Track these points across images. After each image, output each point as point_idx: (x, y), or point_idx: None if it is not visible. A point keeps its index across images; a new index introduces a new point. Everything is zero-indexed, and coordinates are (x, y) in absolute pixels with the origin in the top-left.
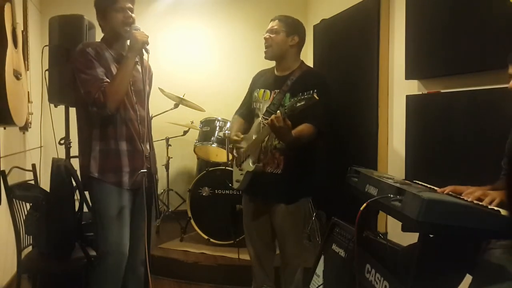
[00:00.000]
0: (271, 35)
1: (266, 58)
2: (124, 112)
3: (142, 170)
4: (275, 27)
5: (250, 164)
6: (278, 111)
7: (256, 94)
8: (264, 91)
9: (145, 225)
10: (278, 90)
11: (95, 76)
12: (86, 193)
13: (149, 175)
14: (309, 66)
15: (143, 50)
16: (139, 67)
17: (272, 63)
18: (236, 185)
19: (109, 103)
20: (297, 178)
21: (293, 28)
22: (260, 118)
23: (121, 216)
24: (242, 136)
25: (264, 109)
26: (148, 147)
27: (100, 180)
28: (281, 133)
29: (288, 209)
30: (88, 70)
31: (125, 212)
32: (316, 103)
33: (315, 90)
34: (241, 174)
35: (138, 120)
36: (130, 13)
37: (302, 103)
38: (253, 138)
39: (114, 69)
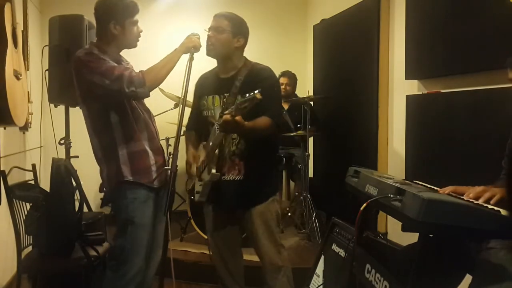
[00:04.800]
0: (216, 34)
1: (208, 55)
2: (145, 114)
3: (166, 167)
4: (221, 25)
5: (207, 173)
6: (225, 113)
7: (204, 102)
8: (213, 97)
9: (163, 225)
10: (228, 94)
11: (114, 65)
12: (85, 188)
13: (172, 174)
14: (253, 63)
15: (189, 52)
16: None
17: (209, 66)
18: (196, 197)
19: (149, 83)
20: (261, 181)
21: (240, 28)
22: (216, 125)
23: (151, 221)
24: (197, 154)
25: (217, 115)
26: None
27: (134, 183)
28: (234, 130)
29: (257, 210)
30: (105, 64)
31: (152, 219)
32: (268, 97)
33: (259, 90)
34: (200, 185)
35: (150, 119)
36: (140, 27)
37: (246, 104)
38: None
39: None
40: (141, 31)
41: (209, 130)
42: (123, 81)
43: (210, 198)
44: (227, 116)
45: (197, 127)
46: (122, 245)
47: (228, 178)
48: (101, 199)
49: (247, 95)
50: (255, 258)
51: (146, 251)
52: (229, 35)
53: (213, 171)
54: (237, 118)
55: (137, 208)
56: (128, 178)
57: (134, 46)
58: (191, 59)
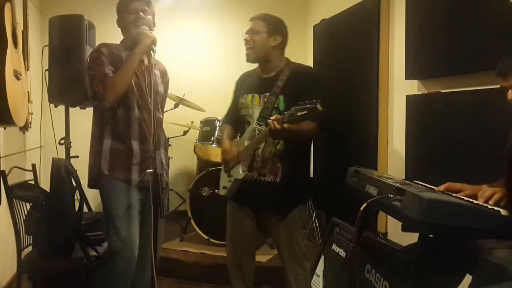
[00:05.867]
0: (252, 36)
1: (248, 61)
2: (139, 112)
3: (148, 170)
4: (256, 27)
5: (240, 171)
6: (275, 115)
7: (243, 100)
8: (253, 96)
9: (151, 226)
10: (269, 93)
11: (102, 72)
12: (85, 188)
13: (156, 175)
14: (296, 63)
15: (151, 49)
16: (156, 71)
17: (254, 65)
18: (223, 191)
19: (108, 95)
20: (296, 186)
21: (275, 27)
22: (253, 124)
23: (130, 213)
24: (230, 146)
25: (257, 115)
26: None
27: (110, 177)
28: (281, 136)
29: (286, 219)
30: (97, 67)
31: (134, 210)
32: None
33: (318, 100)
34: (229, 181)
35: (149, 120)
36: (142, 14)
37: (304, 112)
38: (245, 144)
39: None
40: (138, 18)
41: (244, 128)
42: (91, 92)
43: (238, 196)
44: (275, 124)
45: (233, 123)
46: (108, 237)
47: (267, 179)
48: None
49: (307, 103)
50: (260, 258)
51: (137, 247)
52: (265, 35)
53: (247, 171)
54: (286, 126)
55: (115, 200)
56: (105, 172)
57: (135, 36)
58: (150, 55)
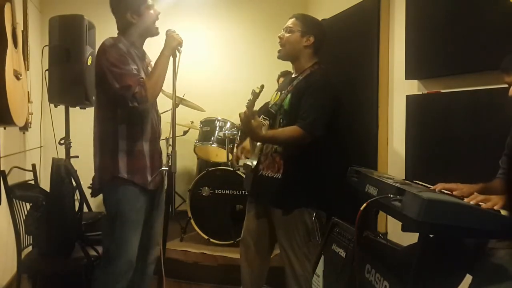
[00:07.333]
0: (285, 34)
1: (278, 57)
2: (151, 112)
3: (163, 168)
4: (290, 25)
5: (247, 161)
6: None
7: (271, 97)
8: (277, 93)
9: (161, 225)
10: (285, 91)
11: (131, 72)
12: (85, 188)
13: (169, 174)
14: (322, 67)
15: (176, 50)
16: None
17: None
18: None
19: (150, 97)
20: (296, 185)
21: (309, 27)
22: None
23: (139, 218)
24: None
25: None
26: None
27: (128, 181)
28: (247, 130)
29: (283, 218)
30: (123, 65)
31: (142, 215)
32: (305, 106)
33: (262, 85)
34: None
35: (158, 120)
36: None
37: (250, 98)
38: None
39: (140, 66)
40: (159, 13)
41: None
42: (129, 93)
43: (250, 190)
44: (241, 112)
45: None
46: (110, 241)
47: (265, 174)
48: (88, 187)
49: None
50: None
51: (140, 249)
52: (298, 34)
53: (248, 162)
54: (254, 123)
55: (127, 204)
56: (123, 175)
57: (156, 33)
58: (175, 56)
